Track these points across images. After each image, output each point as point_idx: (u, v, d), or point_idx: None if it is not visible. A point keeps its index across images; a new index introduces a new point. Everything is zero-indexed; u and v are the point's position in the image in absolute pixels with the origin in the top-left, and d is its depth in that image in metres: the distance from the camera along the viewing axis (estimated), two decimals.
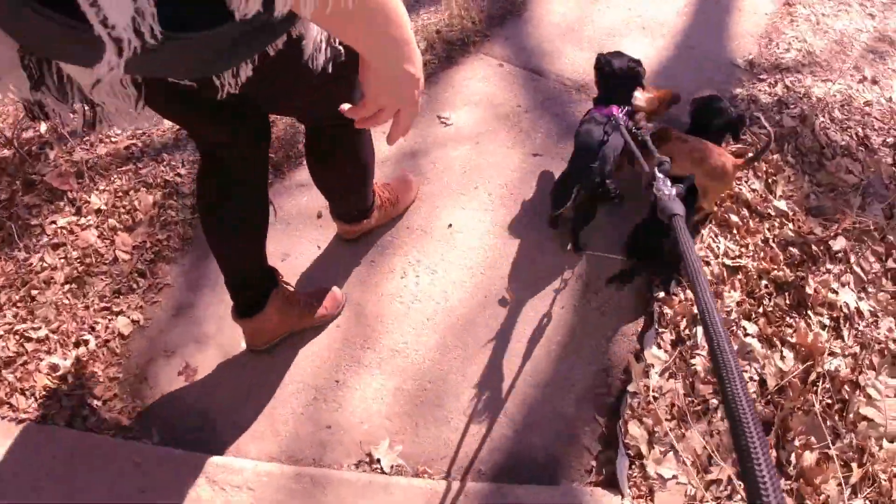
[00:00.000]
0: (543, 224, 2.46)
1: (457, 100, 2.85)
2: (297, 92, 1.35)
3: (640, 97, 2.32)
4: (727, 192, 2.40)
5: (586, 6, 3.42)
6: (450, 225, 2.45)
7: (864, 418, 2.11)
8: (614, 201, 2.31)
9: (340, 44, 1.08)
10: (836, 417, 2.10)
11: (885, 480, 1.95)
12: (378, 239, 2.41)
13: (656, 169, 1.76)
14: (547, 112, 2.83)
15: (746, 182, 2.53)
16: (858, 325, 2.30)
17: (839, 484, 1.94)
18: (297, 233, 2.43)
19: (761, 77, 3.07)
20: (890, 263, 2.46)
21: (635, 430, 2.05)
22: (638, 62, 2.29)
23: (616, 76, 2.26)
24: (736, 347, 2.17)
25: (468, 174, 2.59)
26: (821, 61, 3.25)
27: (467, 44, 3.11)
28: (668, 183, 1.67)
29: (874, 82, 3.22)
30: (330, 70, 1.09)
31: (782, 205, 2.46)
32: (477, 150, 2.68)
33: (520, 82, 2.96)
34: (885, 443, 2.05)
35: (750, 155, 2.30)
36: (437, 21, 3.23)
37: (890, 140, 2.83)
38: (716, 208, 2.46)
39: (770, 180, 2.53)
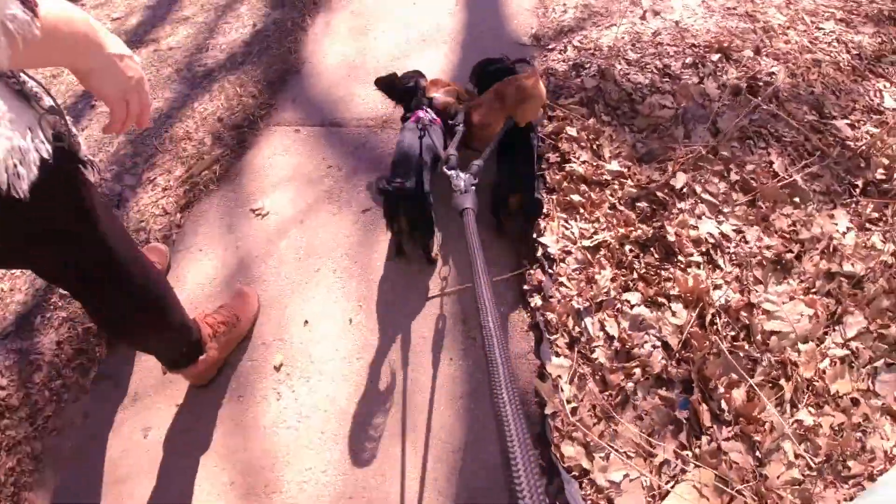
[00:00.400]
0: (400, 278, 2.33)
1: (265, 185, 2.66)
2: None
3: (438, 96, 2.40)
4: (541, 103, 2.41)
5: (361, 39, 3.33)
6: (306, 322, 2.25)
7: (772, 333, 2.10)
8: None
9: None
10: (746, 345, 2.08)
11: (816, 380, 1.97)
12: (235, 370, 2.17)
13: (445, 168, 1.97)
14: (361, 162, 2.71)
15: (574, 156, 2.47)
16: (728, 248, 2.31)
17: (777, 405, 1.94)
18: (151, 399, 2.17)
19: (550, 47, 3.08)
20: (732, 176, 2.49)
21: (570, 450, 1.93)
22: (416, 72, 2.48)
23: (400, 90, 2.43)
24: (627, 324, 2.09)
25: (304, 260, 2.40)
26: (599, 9, 3.31)
27: (255, 121, 2.93)
28: (462, 175, 1.88)
29: (655, 13, 3.30)
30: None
31: (615, 166, 2.43)
32: (304, 230, 2.50)
33: (323, 141, 2.81)
34: (800, 346, 2.06)
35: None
36: (215, 109, 3.01)
37: (689, 61, 2.88)
38: (555, 195, 2.38)
39: (595, 146, 2.50)
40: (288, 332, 2.25)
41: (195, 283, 2.42)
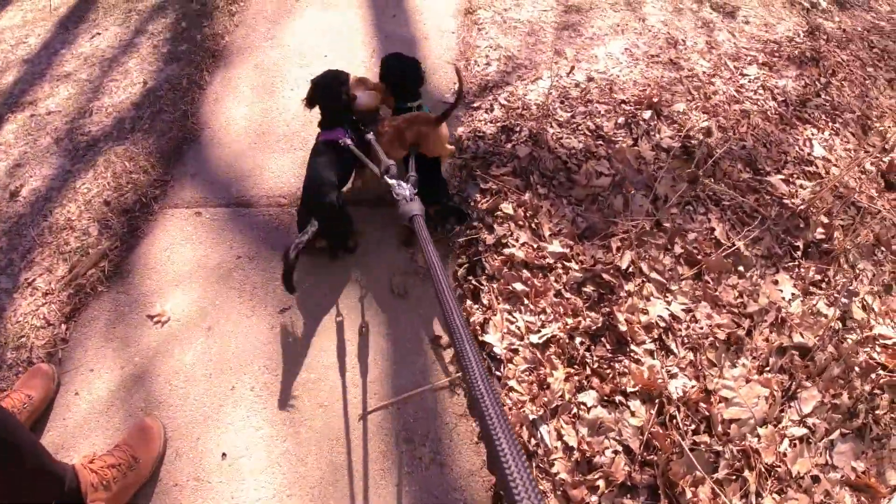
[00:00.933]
0: (332, 389, 2.09)
1: (163, 283, 2.33)
2: None
3: (362, 96, 2.40)
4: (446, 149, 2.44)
5: (268, 99, 3.04)
6: (224, 455, 1.96)
7: (732, 421, 2.08)
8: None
9: None
10: (708, 438, 1.98)
11: (778, 465, 1.92)
12: None
13: (387, 177, 1.99)
14: (275, 249, 2.44)
15: (513, 238, 2.27)
16: (680, 330, 2.21)
17: (743, 497, 1.87)
18: None
19: (475, 105, 2.88)
20: (676, 249, 2.40)
21: None
22: (340, 72, 2.41)
23: (325, 96, 2.35)
24: (585, 430, 1.93)
25: (216, 377, 2.11)
26: (522, 61, 3.17)
27: (148, 204, 2.60)
28: (403, 184, 1.89)
29: (577, 61, 3.16)
30: None
31: (556, 247, 2.28)
32: (213, 338, 2.20)
33: (229, 226, 2.51)
34: (759, 430, 2.01)
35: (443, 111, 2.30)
36: (101, 189, 2.64)
37: (621, 120, 2.77)
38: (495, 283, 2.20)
39: (533, 224, 2.31)
40: (203, 469, 1.95)
41: (86, 412, 2.07)
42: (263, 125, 2.96)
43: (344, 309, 2.27)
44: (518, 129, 2.74)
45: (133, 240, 2.51)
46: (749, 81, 3.23)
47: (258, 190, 2.67)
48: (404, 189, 1.86)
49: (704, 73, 3.25)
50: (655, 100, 2.93)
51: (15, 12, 3.95)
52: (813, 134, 3.08)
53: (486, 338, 2.13)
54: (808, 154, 2.96)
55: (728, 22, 3.71)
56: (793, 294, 2.39)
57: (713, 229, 2.51)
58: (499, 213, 2.40)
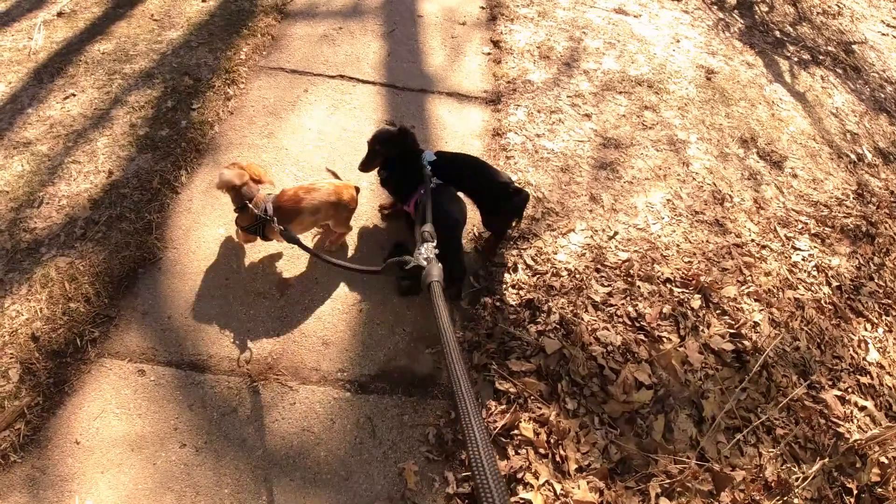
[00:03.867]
0: None
1: (87, 467, 1.87)
2: None
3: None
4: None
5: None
6: None
7: None
8: None
9: None
10: None
11: None
12: None
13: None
14: (229, 441, 1.89)
15: (532, 473, 1.79)
16: None
17: None
18: None
19: (497, 261, 2.39)
20: (723, 498, 1.89)
21: None
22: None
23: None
24: None
25: None
26: (554, 204, 2.72)
27: (83, 349, 2.06)
28: (421, 248, 1.82)
29: (615, 211, 2.72)
30: None
31: (583, 491, 1.77)
32: None
33: (177, 397, 2.02)
34: None
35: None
36: (31, 316, 2.11)
37: (666, 310, 2.30)
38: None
39: (558, 456, 1.81)
40: None
41: None
42: (240, 259, 2.42)
43: None
44: (546, 308, 2.26)
45: (59, 396, 1.95)
46: (802, 260, 2.82)
47: (219, 348, 2.13)
48: (423, 251, 1.81)
49: (754, 241, 2.84)
50: (703, 278, 2.49)
51: None
52: (867, 329, 2.69)
53: None
54: (863, 359, 2.56)
55: (775, 174, 3.32)
56: None
57: (763, 467, 2.06)
58: (516, 432, 1.91)
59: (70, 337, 2.10)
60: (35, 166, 2.66)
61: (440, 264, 1.72)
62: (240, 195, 2.17)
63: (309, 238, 2.49)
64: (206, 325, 2.20)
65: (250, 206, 2.13)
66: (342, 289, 2.36)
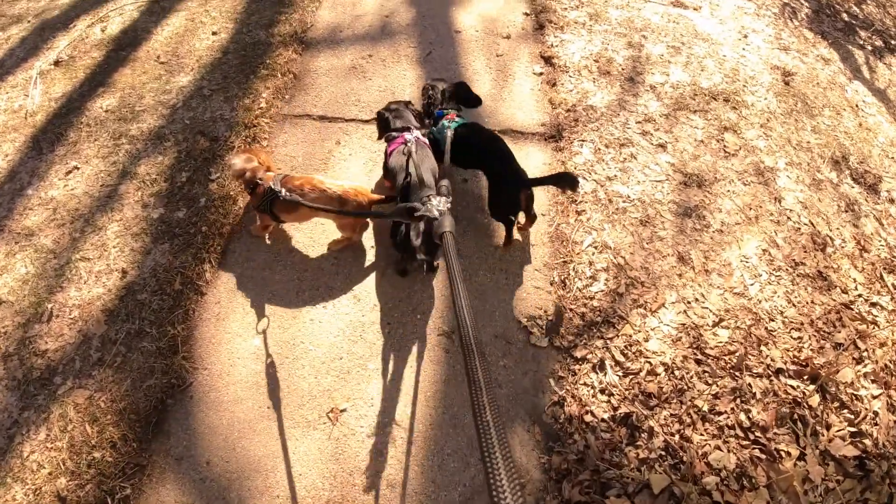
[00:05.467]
0: None
1: None
2: None
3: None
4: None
5: (291, 322, 2.14)
6: None
7: None
8: None
9: None
10: None
11: None
12: None
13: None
14: None
15: None
16: None
17: None
18: None
19: (576, 353, 2.05)
20: None
21: None
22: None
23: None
24: None
25: None
26: (637, 271, 2.36)
27: None
28: (434, 200, 1.83)
29: (707, 272, 2.33)
30: None
31: None
32: None
33: None
34: None
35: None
36: (53, 469, 1.89)
37: (784, 411, 1.91)
38: None
39: None
40: None
41: None
42: (281, 378, 2.05)
43: None
44: (647, 428, 1.88)
45: None
46: None
47: (269, 500, 1.79)
48: (435, 203, 1.80)
49: (861, 297, 2.42)
50: (816, 361, 2.10)
51: None
52: None
53: None
54: None
55: (872, 201, 2.86)
56: None
57: None
58: None
59: (100, 496, 1.79)
60: (40, 267, 2.32)
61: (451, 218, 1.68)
62: (251, 179, 2.23)
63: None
64: (250, 470, 1.87)
65: (260, 182, 2.22)
66: (402, 409, 2.01)
